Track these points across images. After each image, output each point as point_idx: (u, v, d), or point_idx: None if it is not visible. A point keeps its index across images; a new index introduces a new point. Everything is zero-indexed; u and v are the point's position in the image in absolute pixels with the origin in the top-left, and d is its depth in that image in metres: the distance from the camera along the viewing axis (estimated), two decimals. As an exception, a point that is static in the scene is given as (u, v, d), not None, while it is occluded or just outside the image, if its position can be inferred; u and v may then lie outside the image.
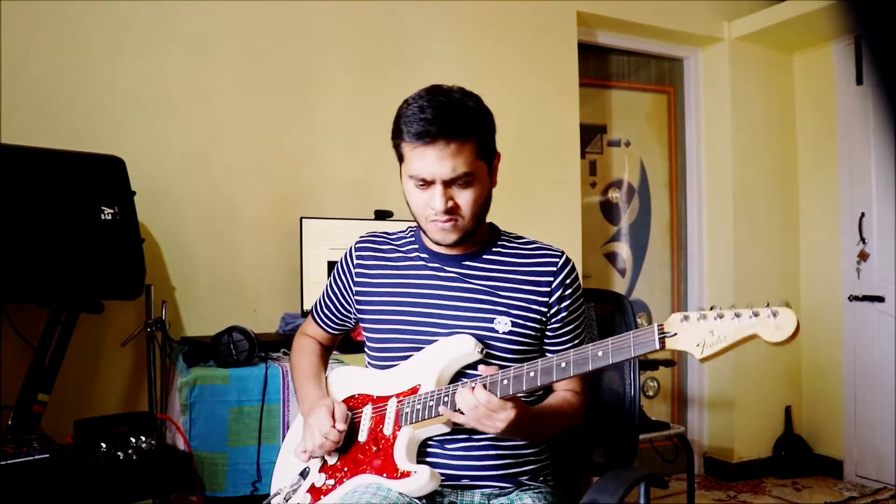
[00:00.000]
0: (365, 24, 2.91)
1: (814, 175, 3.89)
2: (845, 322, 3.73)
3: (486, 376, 1.29)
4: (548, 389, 1.47)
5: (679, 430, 3.35)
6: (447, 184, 1.33)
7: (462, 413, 1.28)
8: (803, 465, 3.78)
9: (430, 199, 1.34)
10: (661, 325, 1.18)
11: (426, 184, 1.33)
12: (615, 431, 1.61)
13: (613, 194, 3.81)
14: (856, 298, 3.67)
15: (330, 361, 1.72)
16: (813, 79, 3.87)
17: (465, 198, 1.34)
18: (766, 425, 3.83)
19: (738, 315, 1.12)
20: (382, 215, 2.69)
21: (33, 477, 1.77)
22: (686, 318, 1.16)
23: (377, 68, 2.92)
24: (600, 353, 1.21)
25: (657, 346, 1.16)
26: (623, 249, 3.83)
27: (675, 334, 1.16)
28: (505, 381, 1.27)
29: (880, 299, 3.58)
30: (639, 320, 3.79)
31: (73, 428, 1.97)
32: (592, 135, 3.74)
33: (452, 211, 1.34)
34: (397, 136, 1.36)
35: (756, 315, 1.10)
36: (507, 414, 1.26)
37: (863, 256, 3.66)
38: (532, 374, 1.27)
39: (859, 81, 3.63)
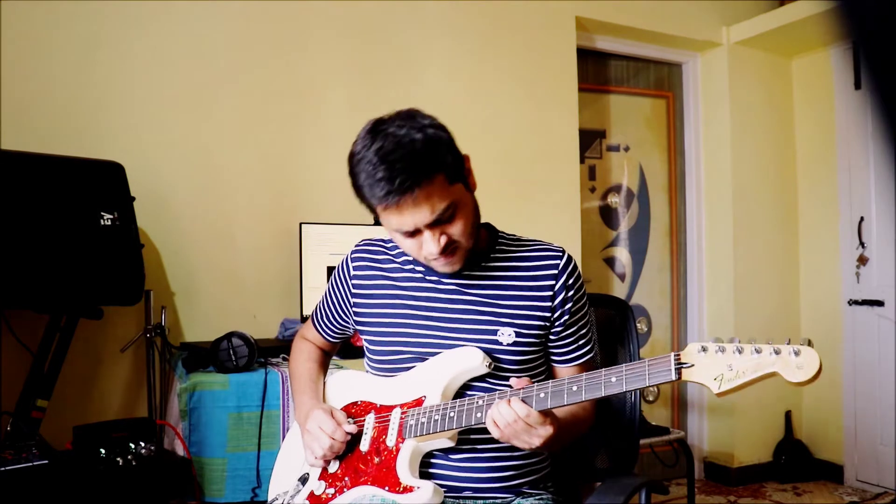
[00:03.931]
0: (364, 29, 2.91)
1: (813, 179, 3.90)
2: (845, 326, 3.73)
3: (519, 389, 1.25)
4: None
5: (679, 435, 3.35)
6: (432, 225, 1.26)
7: (497, 426, 1.23)
8: (804, 469, 3.77)
9: (422, 244, 1.29)
10: (679, 354, 1.15)
11: (412, 233, 1.28)
12: (616, 437, 1.61)
13: (613, 199, 3.81)
14: (855, 303, 3.67)
15: (329, 366, 1.72)
16: (811, 83, 3.88)
17: (455, 228, 1.29)
18: (766, 430, 3.83)
19: (758, 351, 1.10)
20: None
21: (32, 483, 1.76)
22: (704, 349, 1.13)
23: (376, 73, 2.93)
24: (614, 379, 1.19)
25: (673, 377, 1.13)
26: (622, 254, 3.83)
27: (692, 365, 1.13)
28: (542, 395, 1.23)
29: (880, 303, 3.58)
30: (638, 325, 3.79)
31: (73, 434, 1.97)
32: (592, 140, 3.75)
33: (448, 244, 1.29)
34: (361, 198, 1.28)
35: (777, 353, 1.08)
36: (547, 430, 1.23)
37: (862, 261, 3.66)
38: (542, 395, 1.23)
39: (857, 86, 3.64)
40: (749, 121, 3.81)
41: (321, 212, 2.75)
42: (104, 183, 2.05)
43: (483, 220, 1.46)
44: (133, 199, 2.10)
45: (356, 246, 1.54)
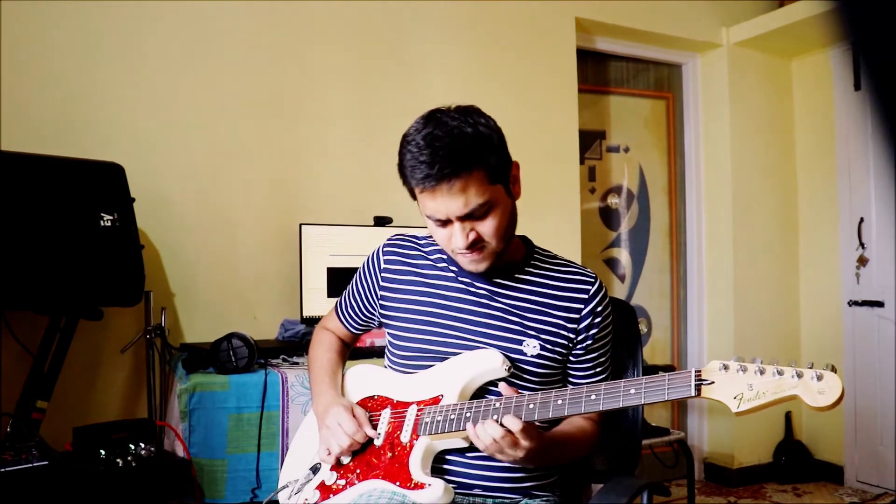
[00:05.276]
0: (363, 31, 2.92)
1: (813, 180, 3.90)
2: (845, 327, 3.72)
3: (510, 398, 1.27)
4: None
5: (679, 436, 3.35)
6: (464, 218, 1.29)
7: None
8: (804, 470, 3.77)
9: (451, 236, 1.31)
10: (699, 371, 1.15)
11: (444, 222, 1.31)
12: (617, 438, 1.61)
13: (613, 200, 3.81)
14: (855, 303, 3.67)
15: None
16: (811, 84, 3.88)
17: (486, 227, 1.31)
18: (766, 431, 3.83)
19: (780, 372, 1.10)
20: (382, 221, 2.69)
21: (32, 484, 1.76)
22: (725, 367, 1.13)
23: (376, 75, 2.93)
24: (633, 391, 1.20)
25: (692, 393, 1.14)
26: (622, 255, 3.83)
27: (713, 382, 1.13)
28: (531, 406, 1.25)
29: (880, 304, 3.58)
30: (639, 325, 3.79)
31: (73, 435, 1.97)
32: (591, 141, 3.75)
33: (477, 242, 1.31)
34: (403, 178, 1.32)
35: (799, 376, 1.08)
36: (530, 444, 1.24)
37: (862, 261, 3.66)
38: (560, 401, 1.24)
39: (857, 87, 3.64)
40: (749, 121, 3.81)
41: (321, 213, 2.75)
42: (104, 184, 2.05)
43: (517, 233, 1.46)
44: (133, 199, 2.10)
45: (388, 239, 1.55)
